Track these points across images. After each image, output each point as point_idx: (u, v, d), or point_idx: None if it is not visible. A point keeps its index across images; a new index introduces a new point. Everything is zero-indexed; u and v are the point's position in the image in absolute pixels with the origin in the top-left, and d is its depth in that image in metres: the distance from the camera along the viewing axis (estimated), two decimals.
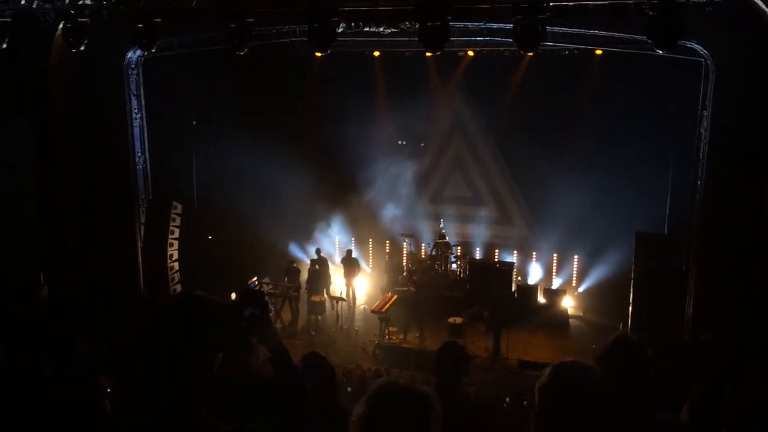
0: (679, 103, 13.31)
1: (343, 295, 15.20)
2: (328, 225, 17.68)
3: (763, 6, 9.68)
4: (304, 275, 15.25)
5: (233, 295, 13.86)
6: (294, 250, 16.88)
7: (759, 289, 10.76)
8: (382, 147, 16.16)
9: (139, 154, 14.93)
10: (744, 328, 10.68)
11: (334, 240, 17.92)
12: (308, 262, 15.92)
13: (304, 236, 17.44)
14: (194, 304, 2.21)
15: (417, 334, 13.75)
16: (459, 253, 16.81)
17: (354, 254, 15.99)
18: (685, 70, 12.40)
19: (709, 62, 11.92)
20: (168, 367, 2.08)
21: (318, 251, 15.85)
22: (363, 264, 16.60)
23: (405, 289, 14.04)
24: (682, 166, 13.50)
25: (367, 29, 10.89)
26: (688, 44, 11.32)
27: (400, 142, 17.13)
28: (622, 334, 3.45)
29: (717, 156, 11.96)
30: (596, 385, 2.20)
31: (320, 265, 15.32)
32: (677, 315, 12.76)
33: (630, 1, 8.95)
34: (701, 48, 11.67)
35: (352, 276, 15.47)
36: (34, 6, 10.64)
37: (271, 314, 14.05)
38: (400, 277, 16.04)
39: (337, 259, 16.65)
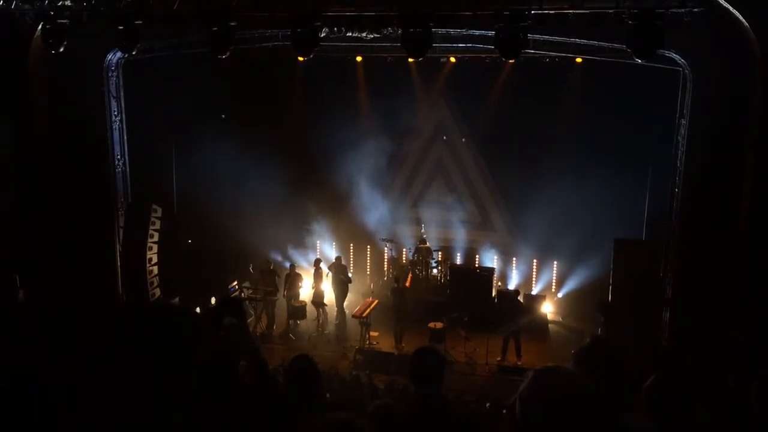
0: (657, 111, 13.49)
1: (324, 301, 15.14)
2: (310, 229, 17.63)
3: (739, 16, 9.86)
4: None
5: (213, 300, 13.82)
6: (274, 254, 16.79)
7: (735, 294, 10.91)
8: (363, 152, 16.14)
9: (119, 156, 14.79)
10: (720, 332, 10.84)
11: (315, 244, 17.87)
12: (287, 266, 15.82)
13: (285, 240, 17.36)
14: (169, 316, 2.18)
15: (398, 339, 13.78)
16: (440, 258, 16.86)
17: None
18: (663, 79, 12.58)
19: (686, 71, 12.11)
20: (140, 380, 2.04)
21: (317, 261, 15.74)
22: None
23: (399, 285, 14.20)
24: (659, 173, 13.67)
25: (350, 34, 10.91)
26: (667, 53, 11.48)
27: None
28: (600, 337, 3.47)
29: (694, 163, 12.14)
30: (579, 391, 2.22)
31: (316, 275, 15.30)
32: (654, 320, 12.91)
33: (610, 11, 9.08)
34: (679, 57, 11.85)
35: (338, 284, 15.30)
36: (12, 6, 10.53)
37: (250, 319, 14.09)
38: (386, 279, 16.11)
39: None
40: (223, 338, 2.76)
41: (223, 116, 16.13)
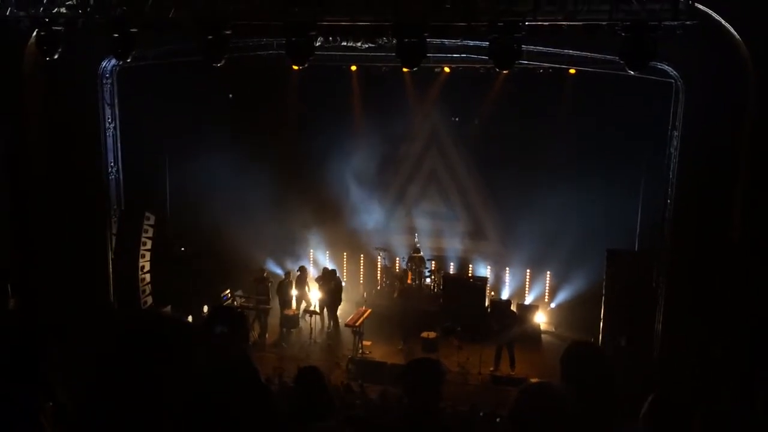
0: (649, 123, 13.55)
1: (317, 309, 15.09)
2: (303, 238, 17.60)
3: (731, 29, 9.94)
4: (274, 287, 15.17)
5: (205, 308, 13.77)
6: (267, 262, 16.75)
7: (727, 306, 10.94)
8: (357, 161, 16.16)
9: (112, 163, 14.75)
10: (712, 343, 10.87)
11: (308, 253, 17.85)
12: (282, 274, 15.81)
13: (278, 249, 17.33)
14: (159, 326, 2.16)
15: (390, 348, 13.75)
16: (433, 268, 16.85)
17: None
18: (656, 91, 12.65)
19: (679, 83, 12.19)
20: (128, 392, 2.02)
21: (303, 269, 15.77)
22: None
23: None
24: (652, 184, 13.73)
25: (345, 44, 10.95)
26: (659, 65, 11.55)
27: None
28: (577, 341, 3.47)
29: (686, 175, 12.19)
30: (563, 407, 2.23)
31: (300, 283, 15.27)
32: (647, 331, 12.92)
33: (603, 23, 9.13)
34: (671, 69, 11.92)
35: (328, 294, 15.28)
36: (7, 13, 10.52)
37: None
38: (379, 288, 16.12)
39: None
40: (215, 347, 2.74)
41: (231, 95, 16.01)
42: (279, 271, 16.47)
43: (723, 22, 9.78)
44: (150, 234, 14.90)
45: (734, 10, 9.75)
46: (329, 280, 15.06)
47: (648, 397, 3.67)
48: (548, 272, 16.16)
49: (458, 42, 12.67)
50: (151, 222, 14.93)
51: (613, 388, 3.15)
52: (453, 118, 16.66)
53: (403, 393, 4.29)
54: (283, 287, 15.10)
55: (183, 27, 10.57)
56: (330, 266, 16.20)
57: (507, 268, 16.75)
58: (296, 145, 16.45)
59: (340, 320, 14.79)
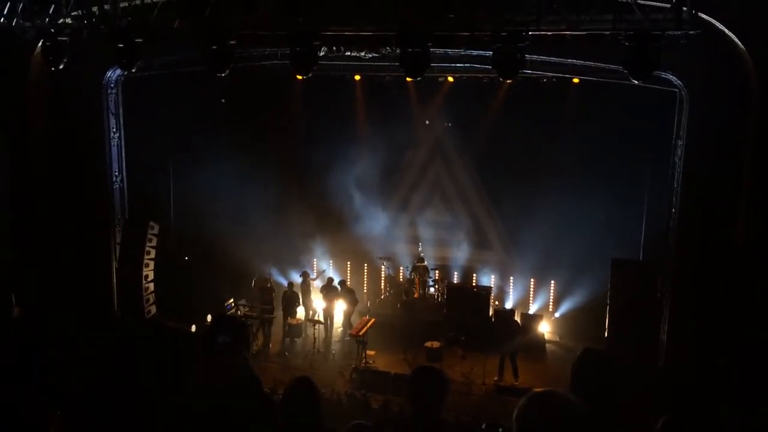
0: (653, 132, 13.55)
1: (321, 319, 15.06)
2: (307, 247, 17.60)
3: (735, 39, 9.95)
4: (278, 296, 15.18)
5: (209, 318, 13.76)
6: (271, 271, 16.74)
7: (732, 316, 10.89)
8: (361, 170, 16.18)
9: (116, 173, 14.81)
10: (717, 353, 10.81)
11: (312, 262, 17.84)
12: (285, 284, 15.80)
13: (282, 258, 17.32)
14: (162, 336, 2.16)
15: (394, 358, 13.70)
16: (437, 277, 16.81)
17: (335, 282, 15.63)
18: (660, 100, 12.65)
19: (683, 92, 12.20)
20: (130, 401, 2.02)
21: (305, 274, 15.78)
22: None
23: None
24: (656, 193, 13.70)
25: (349, 54, 10.98)
26: (663, 75, 11.56)
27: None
28: (589, 349, 3.47)
29: (691, 184, 12.18)
30: (570, 415, 2.21)
31: (304, 289, 15.28)
32: (652, 341, 12.86)
33: (606, 33, 9.13)
34: (675, 78, 11.93)
35: (331, 303, 15.27)
36: (13, 23, 10.58)
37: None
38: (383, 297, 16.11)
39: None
40: (217, 356, 2.74)
41: (223, 101, 15.98)
42: (283, 281, 16.44)
43: (726, 31, 9.79)
44: (154, 243, 14.92)
45: (737, 19, 9.76)
46: (339, 291, 15.07)
47: (652, 407, 3.65)
48: (552, 281, 16.12)
49: (462, 52, 12.70)
50: (155, 231, 14.97)
51: (620, 398, 3.15)
52: (446, 124, 16.57)
53: (407, 402, 4.25)
54: (287, 296, 15.08)
55: (188, 37, 10.61)
56: (336, 277, 16.13)
57: (511, 278, 16.71)
58: (300, 154, 16.48)
59: (342, 330, 14.79)
